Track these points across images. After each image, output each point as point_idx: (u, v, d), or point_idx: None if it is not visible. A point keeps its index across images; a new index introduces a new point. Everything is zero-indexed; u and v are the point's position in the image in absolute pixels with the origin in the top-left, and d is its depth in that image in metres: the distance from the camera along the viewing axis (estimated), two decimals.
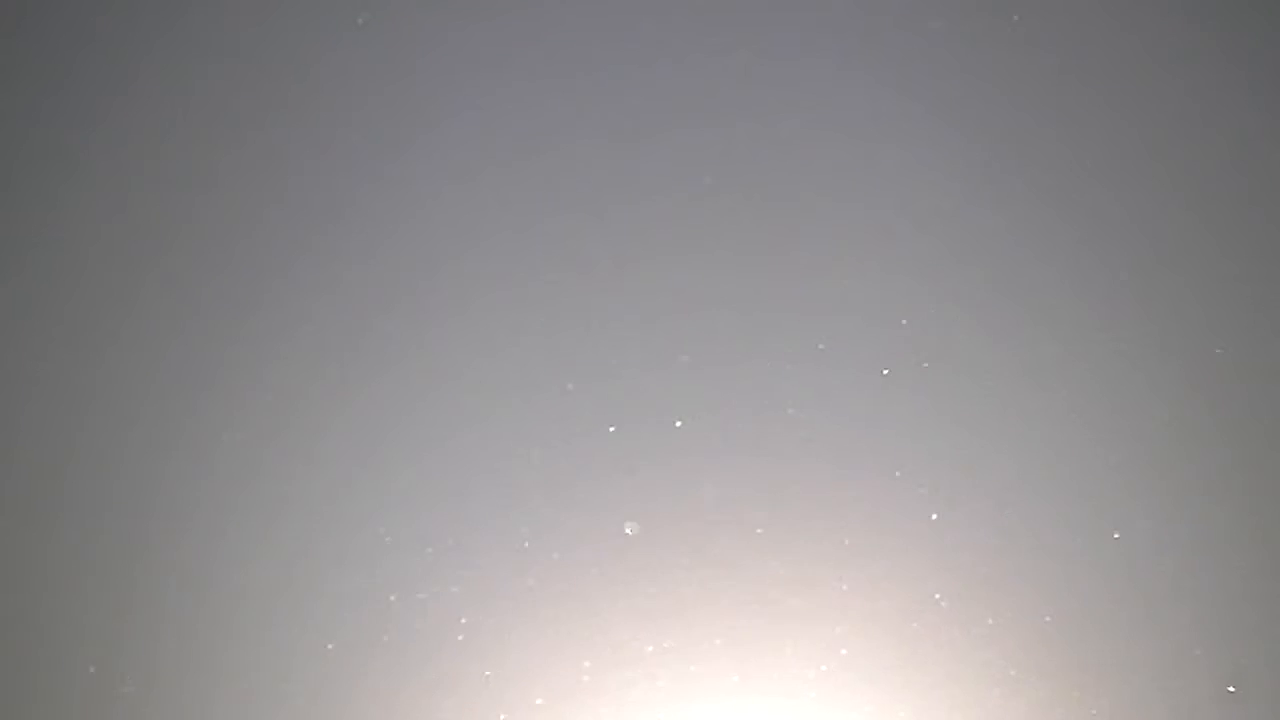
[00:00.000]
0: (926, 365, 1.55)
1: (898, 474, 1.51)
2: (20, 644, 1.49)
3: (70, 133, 1.65)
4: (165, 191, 1.63)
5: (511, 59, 1.67)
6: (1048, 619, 1.47)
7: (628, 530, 1.49)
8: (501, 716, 1.47)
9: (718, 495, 1.51)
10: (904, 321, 1.56)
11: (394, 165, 1.63)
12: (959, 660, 1.46)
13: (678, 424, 1.53)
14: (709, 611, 1.49)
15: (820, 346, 1.55)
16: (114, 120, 1.65)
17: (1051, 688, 1.45)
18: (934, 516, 1.50)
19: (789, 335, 1.56)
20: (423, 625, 1.49)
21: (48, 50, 1.68)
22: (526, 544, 1.51)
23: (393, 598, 1.49)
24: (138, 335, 1.58)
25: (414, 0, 1.69)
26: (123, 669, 1.48)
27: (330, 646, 1.48)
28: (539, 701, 1.47)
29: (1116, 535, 1.49)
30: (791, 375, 1.55)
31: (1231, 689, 1.44)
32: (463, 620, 1.49)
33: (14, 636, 1.49)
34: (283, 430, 1.54)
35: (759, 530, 1.50)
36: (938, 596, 1.48)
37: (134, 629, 1.49)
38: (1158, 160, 1.60)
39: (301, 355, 1.57)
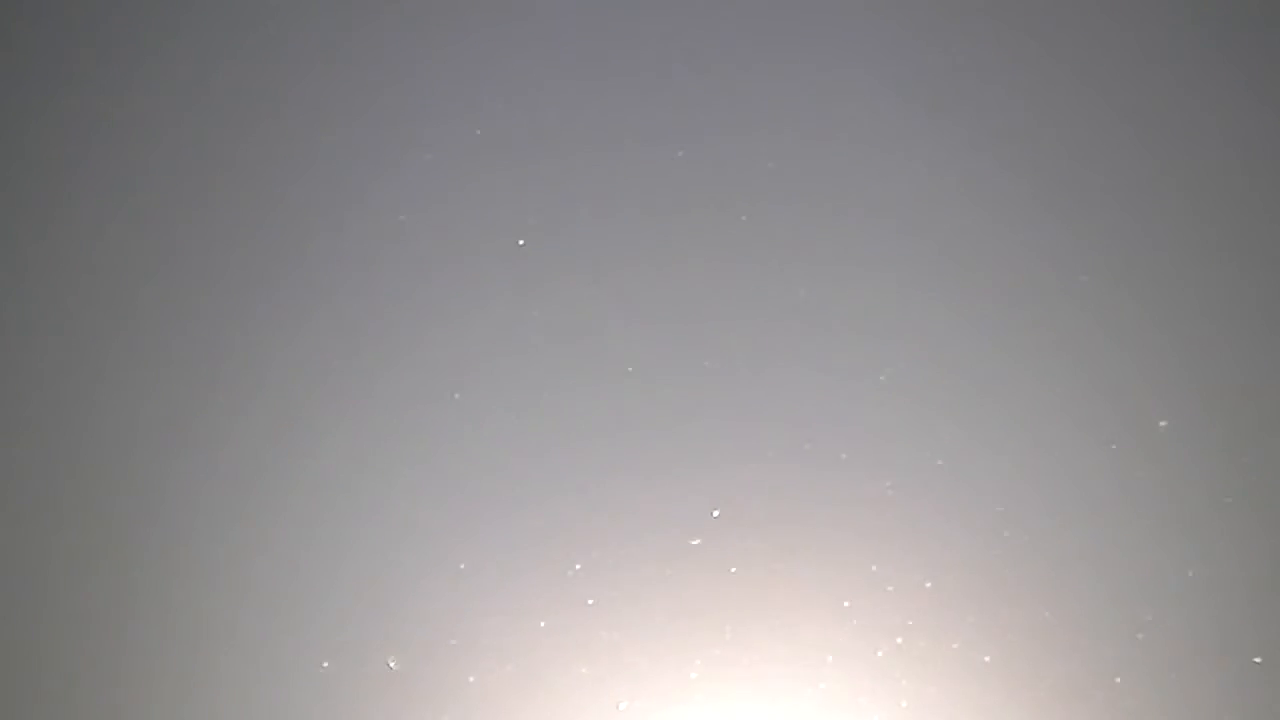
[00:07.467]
0: (927, 366, 1.55)
1: (896, 477, 1.52)
2: (21, 644, 1.49)
3: (72, 134, 1.65)
4: (169, 193, 1.63)
5: (518, 62, 1.67)
6: (1046, 615, 1.47)
7: (714, 514, 1.50)
8: None
9: (722, 496, 1.52)
10: (907, 323, 1.56)
11: (397, 167, 1.63)
12: (953, 659, 1.47)
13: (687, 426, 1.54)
14: (721, 616, 1.49)
15: (836, 353, 1.56)
16: (116, 123, 1.65)
17: (1048, 688, 1.46)
18: (929, 518, 1.50)
19: (794, 338, 1.56)
20: (425, 628, 1.49)
21: (48, 52, 1.68)
22: (530, 546, 1.51)
23: (393, 599, 1.50)
24: (139, 337, 1.58)
25: (420, 3, 1.69)
26: (123, 669, 1.48)
27: (327, 661, 1.49)
28: (542, 701, 1.47)
29: (1115, 535, 1.49)
30: (798, 378, 1.55)
31: (1258, 659, 1.44)
32: (463, 621, 1.49)
33: (14, 636, 1.49)
34: (285, 433, 1.54)
35: (767, 529, 1.51)
36: (929, 585, 1.48)
37: (134, 629, 1.49)
38: (1158, 161, 1.61)
39: (304, 358, 1.57)
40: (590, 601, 1.49)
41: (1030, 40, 1.65)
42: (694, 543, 1.49)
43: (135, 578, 1.50)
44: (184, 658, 1.48)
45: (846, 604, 1.48)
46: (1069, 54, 1.65)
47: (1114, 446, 1.51)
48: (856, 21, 1.67)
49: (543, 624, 1.49)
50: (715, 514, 1.50)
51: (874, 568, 1.49)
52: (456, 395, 1.56)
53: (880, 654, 1.47)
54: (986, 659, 1.46)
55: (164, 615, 1.49)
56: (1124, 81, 1.64)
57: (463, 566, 1.50)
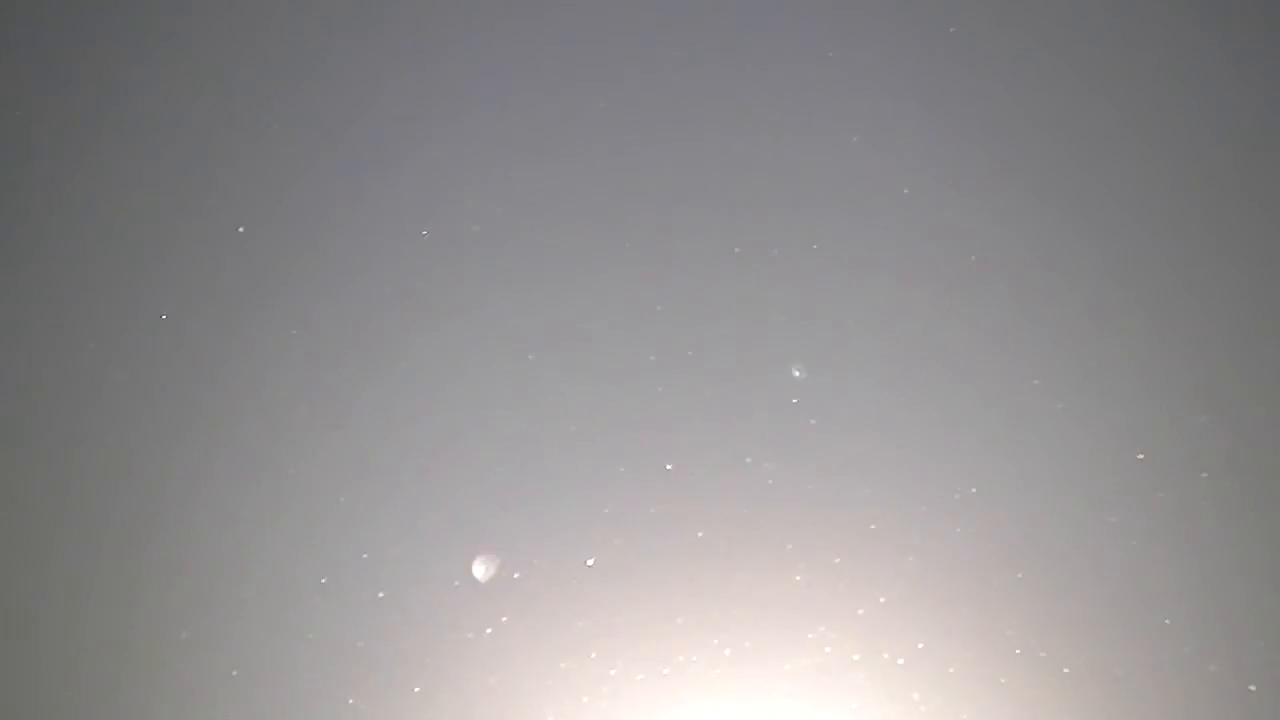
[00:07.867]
0: (928, 369, 1.55)
1: (901, 476, 1.52)
2: (21, 644, 1.49)
3: (72, 134, 1.65)
4: (169, 193, 1.63)
5: (519, 62, 1.67)
6: (1046, 615, 1.47)
7: (589, 563, 1.50)
8: (503, 717, 1.47)
9: (718, 496, 1.52)
10: (907, 324, 1.56)
11: (397, 167, 1.64)
12: (954, 659, 1.47)
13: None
14: (707, 618, 1.49)
15: (836, 353, 1.56)
16: (116, 123, 1.66)
17: (1046, 691, 1.46)
18: (933, 518, 1.50)
19: (794, 338, 1.56)
20: (425, 628, 1.49)
21: (48, 52, 1.68)
22: (530, 546, 1.51)
23: (383, 595, 1.50)
24: (139, 337, 1.58)
25: (422, 4, 1.69)
26: (123, 669, 1.48)
27: (326, 661, 1.49)
28: (542, 701, 1.47)
29: (1115, 539, 1.49)
30: (795, 378, 1.55)
31: (1253, 687, 1.44)
32: (465, 621, 1.49)
33: (14, 636, 1.50)
34: (285, 432, 1.55)
35: (763, 530, 1.51)
36: (930, 586, 1.48)
37: (134, 629, 1.49)
38: (1158, 161, 1.61)
39: (304, 359, 1.57)
40: (590, 601, 1.49)
41: (1030, 40, 1.65)
42: (589, 563, 1.50)
43: (135, 578, 1.50)
44: (184, 658, 1.48)
45: (847, 604, 1.48)
46: (1069, 53, 1.65)
47: (1115, 447, 1.52)
48: (856, 21, 1.67)
49: (543, 624, 1.49)
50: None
51: (875, 568, 1.49)
52: (461, 398, 1.56)
53: (885, 655, 1.47)
54: (986, 659, 1.46)
55: (164, 615, 1.49)
56: (1124, 81, 1.64)
57: (463, 566, 1.50)
